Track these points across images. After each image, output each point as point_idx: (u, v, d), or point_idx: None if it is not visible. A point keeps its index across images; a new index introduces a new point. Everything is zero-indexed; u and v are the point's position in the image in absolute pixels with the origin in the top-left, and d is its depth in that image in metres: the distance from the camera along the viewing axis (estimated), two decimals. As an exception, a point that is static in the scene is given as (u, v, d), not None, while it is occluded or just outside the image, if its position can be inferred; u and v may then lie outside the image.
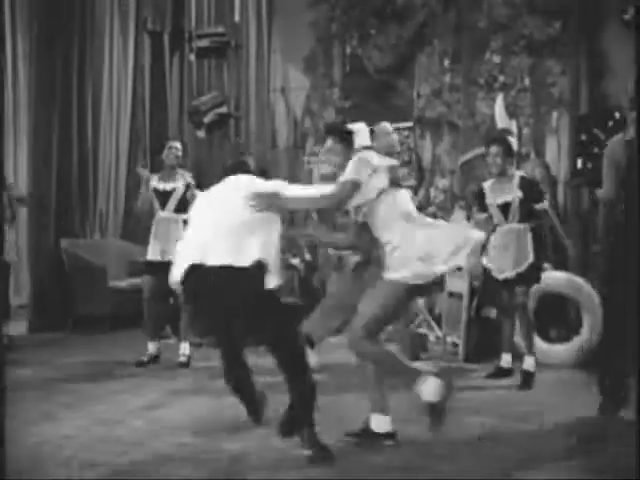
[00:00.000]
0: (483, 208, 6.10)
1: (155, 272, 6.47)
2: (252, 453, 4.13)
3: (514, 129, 9.09)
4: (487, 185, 6.09)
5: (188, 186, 6.80)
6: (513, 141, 6.34)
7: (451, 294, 7.22)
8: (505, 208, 5.92)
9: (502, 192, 5.94)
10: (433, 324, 7.74)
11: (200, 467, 3.94)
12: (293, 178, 10.37)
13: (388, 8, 9.95)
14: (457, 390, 5.35)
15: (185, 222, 5.79)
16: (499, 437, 4.48)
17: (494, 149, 5.94)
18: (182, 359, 6.60)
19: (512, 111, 9.08)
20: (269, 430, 4.23)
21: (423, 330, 7.81)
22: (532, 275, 5.89)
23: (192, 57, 8.73)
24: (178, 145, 7.11)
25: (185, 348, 6.65)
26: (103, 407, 5.17)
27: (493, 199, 5.99)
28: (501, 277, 5.94)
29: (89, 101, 8.99)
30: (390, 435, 4.22)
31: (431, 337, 7.69)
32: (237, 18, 8.60)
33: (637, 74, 4.74)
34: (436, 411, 3.93)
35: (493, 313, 6.77)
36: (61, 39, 8.80)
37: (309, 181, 10.31)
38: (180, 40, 9.15)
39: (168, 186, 6.84)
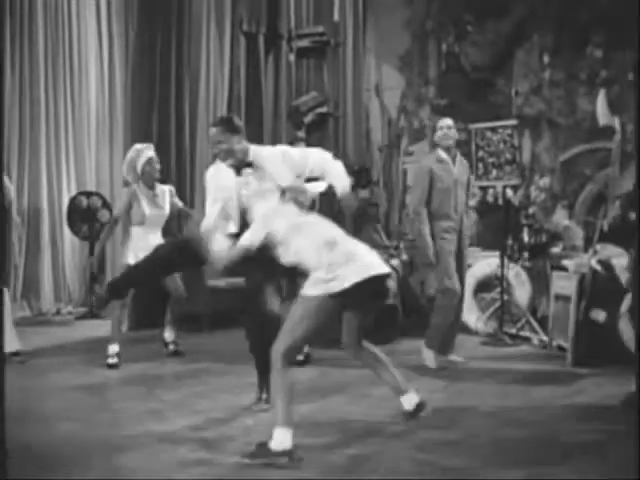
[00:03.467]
0: None
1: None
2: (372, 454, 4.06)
3: (617, 126, 8.80)
4: None
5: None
6: None
7: (557, 296, 7.01)
8: None
9: None
10: (537, 327, 7.55)
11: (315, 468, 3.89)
12: (388, 178, 10.31)
13: (485, 3, 9.76)
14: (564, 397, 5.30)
15: None
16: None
17: None
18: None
19: (615, 107, 8.79)
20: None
21: (526, 333, 7.66)
22: None
23: (292, 57, 8.70)
24: None
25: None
26: (210, 405, 5.16)
27: None
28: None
29: (187, 104, 9.07)
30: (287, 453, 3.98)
31: (534, 340, 7.50)
32: (336, 17, 8.56)
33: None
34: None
35: (602, 316, 6.54)
36: (159, 42, 8.91)
37: (404, 181, 10.22)
38: (276, 41, 9.16)
39: None
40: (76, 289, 10.00)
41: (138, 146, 6.89)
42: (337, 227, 4.25)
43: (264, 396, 4.96)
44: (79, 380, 6.01)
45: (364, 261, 4.06)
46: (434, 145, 6.73)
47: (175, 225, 7.96)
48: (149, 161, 6.76)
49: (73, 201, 9.51)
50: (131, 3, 9.17)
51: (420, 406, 4.33)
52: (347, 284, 3.93)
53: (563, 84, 9.31)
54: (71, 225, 9.51)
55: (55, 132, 10.02)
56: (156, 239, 6.70)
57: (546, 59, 9.48)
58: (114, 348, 6.57)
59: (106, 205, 9.51)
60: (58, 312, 9.78)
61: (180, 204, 7.16)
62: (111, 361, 6.51)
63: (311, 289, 4.00)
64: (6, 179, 6.98)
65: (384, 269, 4.15)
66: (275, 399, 4.03)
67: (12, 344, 6.50)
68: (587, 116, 9.02)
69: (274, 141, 9.30)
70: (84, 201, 9.44)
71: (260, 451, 3.98)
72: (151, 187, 6.82)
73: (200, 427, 4.63)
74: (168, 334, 7.08)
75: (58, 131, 10.05)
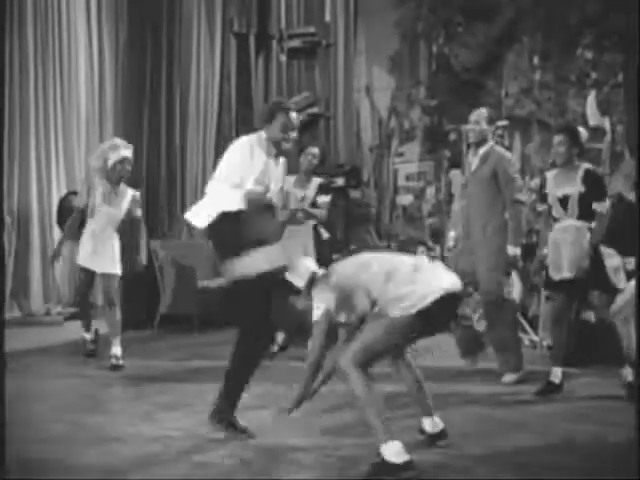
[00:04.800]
0: (543, 199, 5.82)
1: None
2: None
3: (607, 127, 8.84)
4: (550, 175, 5.74)
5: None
6: (582, 131, 5.81)
7: (548, 297, 7.02)
8: (565, 201, 5.54)
9: (564, 184, 5.56)
10: (527, 327, 7.56)
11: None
12: (379, 178, 10.33)
13: (475, 5, 9.80)
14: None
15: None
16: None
17: (558, 138, 5.61)
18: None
19: (605, 108, 8.83)
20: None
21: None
22: (590, 281, 5.50)
23: (283, 57, 8.70)
24: (316, 151, 6.80)
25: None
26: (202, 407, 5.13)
27: (554, 190, 5.61)
28: (557, 277, 5.59)
29: (177, 103, 9.07)
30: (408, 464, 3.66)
31: (525, 341, 7.51)
32: (327, 17, 8.58)
33: None
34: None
35: (592, 316, 6.56)
36: (149, 41, 8.91)
37: (394, 181, 10.23)
38: (266, 41, 9.18)
39: (300, 193, 6.66)
40: (66, 289, 9.95)
41: (117, 141, 6.73)
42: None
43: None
44: (68, 381, 5.98)
45: None
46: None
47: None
48: (122, 160, 6.51)
49: (63, 201, 9.46)
50: (121, 2, 9.17)
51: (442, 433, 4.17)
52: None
53: (553, 85, 9.35)
54: (61, 225, 9.45)
55: (45, 132, 9.96)
56: (109, 239, 6.58)
57: (536, 61, 9.53)
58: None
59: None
60: (47, 313, 9.73)
61: (138, 214, 6.80)
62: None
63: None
64: None
65: None
66: (366, 417, 3.70)
67: None
68: (577, 117, 9.06)
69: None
70: (74, 200, 9.38)
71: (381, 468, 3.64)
72: (114, 184, 6.60)
73: (193, 428, 4.60)
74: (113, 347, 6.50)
75: (47, 131, 9.99)
